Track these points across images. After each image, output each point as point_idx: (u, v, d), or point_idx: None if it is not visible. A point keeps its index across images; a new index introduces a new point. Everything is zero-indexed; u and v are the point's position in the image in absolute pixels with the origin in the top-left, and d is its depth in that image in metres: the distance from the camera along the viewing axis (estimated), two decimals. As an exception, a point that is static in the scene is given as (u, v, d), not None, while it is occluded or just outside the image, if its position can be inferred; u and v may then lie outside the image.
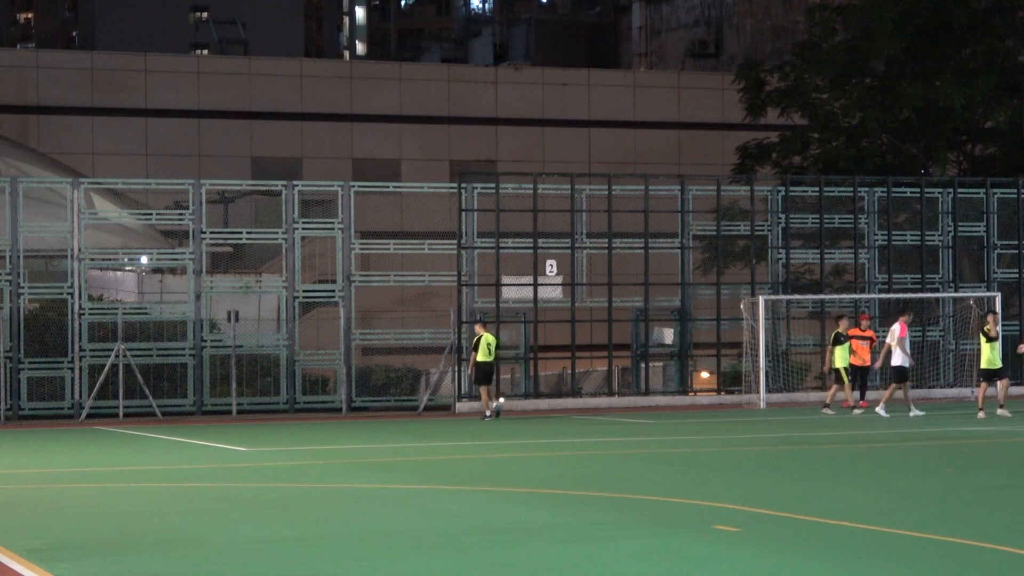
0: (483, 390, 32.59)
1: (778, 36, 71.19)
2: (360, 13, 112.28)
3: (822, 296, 38.28)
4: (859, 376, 34.63)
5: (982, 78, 44.79)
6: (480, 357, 32.32)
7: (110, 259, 38.55)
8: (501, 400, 33.32)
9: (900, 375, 31.88)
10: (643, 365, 37.28)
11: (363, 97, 57.45)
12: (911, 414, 31.30)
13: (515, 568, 12.83)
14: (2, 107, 53.54)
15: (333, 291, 35.15)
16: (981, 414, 30.46)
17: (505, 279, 36.10)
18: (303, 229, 35.03)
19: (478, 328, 32.79)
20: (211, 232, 35.10)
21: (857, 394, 34.63)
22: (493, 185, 36.21)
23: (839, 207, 39.07)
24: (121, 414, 33.26)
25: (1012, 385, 38.09)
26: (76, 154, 52.76)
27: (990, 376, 31.17)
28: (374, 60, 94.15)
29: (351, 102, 57.23)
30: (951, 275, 39.04)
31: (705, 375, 39.39)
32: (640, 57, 77.98)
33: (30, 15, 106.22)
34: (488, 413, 32.30)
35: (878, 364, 33.57)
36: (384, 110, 57.34)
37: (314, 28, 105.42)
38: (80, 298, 33.36)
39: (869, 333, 34.75)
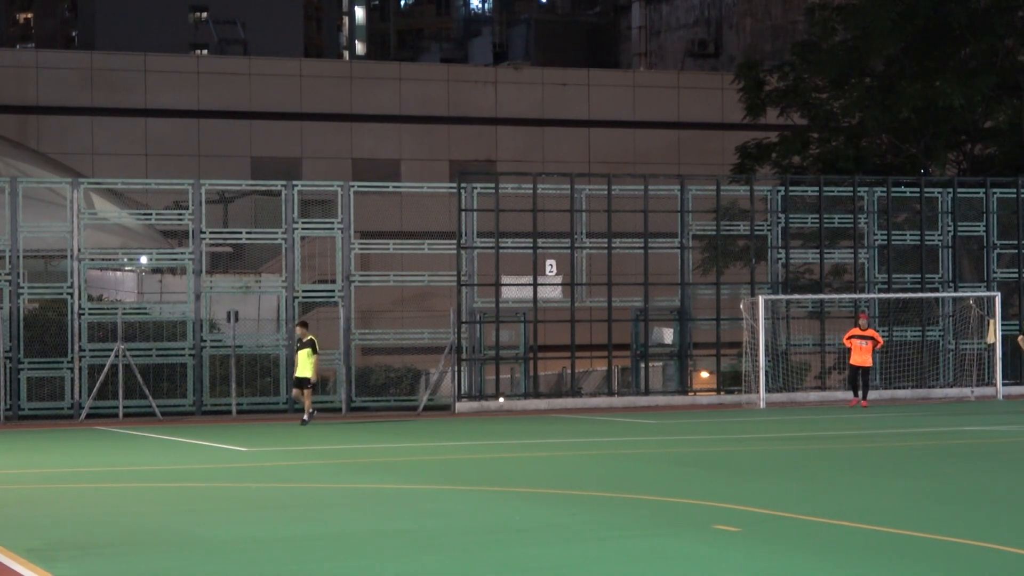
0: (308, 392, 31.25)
1: (778, 36, 71.19)
2: (360, 13, 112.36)
3: (822, 296, 38.27)
4: (860, 376, 34.78)
5: (982, 78, 44.79)
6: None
7: (110, 259, 38.53)
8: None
9: None
10: (643, 365, 37.27)
11: (363, 97, 57.44)
12: None
13: (515, 568, 12.83)
14: (2, 107, 53.53)
15: (333, 291, 35.15)
16: None
17: (505, 279, 36.09)
18: (303, 229, 35.02)
19: (306, 331, 31.09)
20: (211, 232, 35.10)
21: (861, 393, 34.80)
22: (493, 185, 36.22)
23: (839, 207, 39.07)
24: (121, 414, 33.26)
25: (1012, 385, 38.23)
26: (76, 154, 52.75)
27: None
28: (374, 60, 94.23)
29: (351, 102, 57.23)
30: (951, 275, 39.04)
31: (705, 375, 39.39)
32: (640, 57, 78.02)
33: (30, 15, 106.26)
34: (310, 414, 31.02)
35: None
36: (384, 110, 57.35)
37: (314, 28, 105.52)
38: (80, 298, 33.36)
39: (870, 332, 34.79)
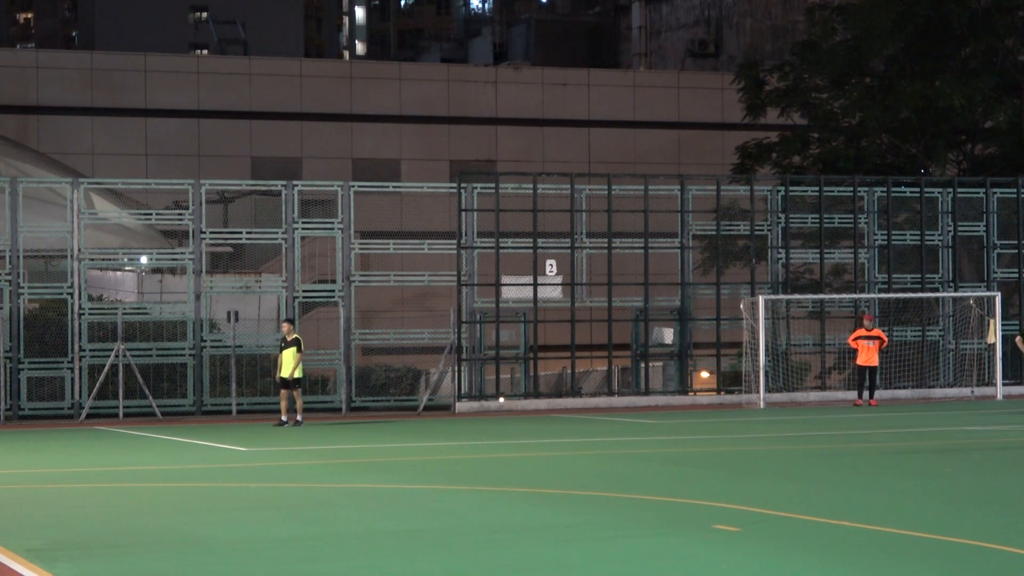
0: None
1: (778, 36, 71.17)
2: (360, 13, 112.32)
3: (822, 296, 38.27)
4: (867, 376, 34.90)
5: (982, 78, 44.80)
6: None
7: (110, 259, 38.53)
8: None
9: None
10: (643, 365, 37.27)
11: (363, 97, 57.44)
12: None
13: (515, 568, 12.83)
14: (2, 107, 53.53)
15: (333, 291, 35.15)
16: None
17: (505, 279, 36.09)
18: (303, 229, 35.03)
19: (292, 328, 30.74)
20: (211, 232, 35.09)
21: (867, 394, 34.88)
22: (493, 185, 36.22)
23: (839, 207, 39.08)
24: (121, 414, 33.26)
25: (1012, 385, 38.24)
26: (76, 154, 52.75)
27: None
28: (374, 60, 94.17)
29: (351, 102, 57.23)
30: (951, 275, 39.04)
31: (705, 375, 39.39)
32: (640, 57, 77.97)
33: (30, 15, 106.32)
34: (292, 419, 30.52)
35: None
36: (384, 110, 57.34)
37: (314, 28, 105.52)
38: (80, 298, 33.36)
39: (876, 332, 34.85)
